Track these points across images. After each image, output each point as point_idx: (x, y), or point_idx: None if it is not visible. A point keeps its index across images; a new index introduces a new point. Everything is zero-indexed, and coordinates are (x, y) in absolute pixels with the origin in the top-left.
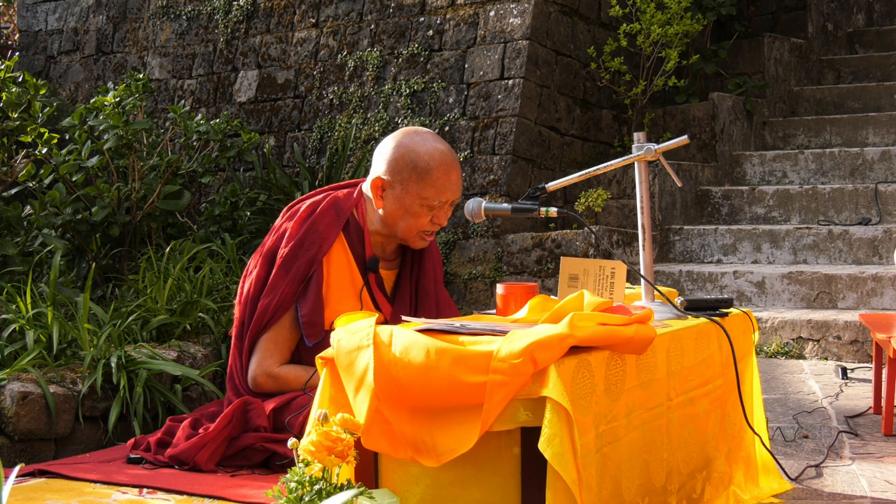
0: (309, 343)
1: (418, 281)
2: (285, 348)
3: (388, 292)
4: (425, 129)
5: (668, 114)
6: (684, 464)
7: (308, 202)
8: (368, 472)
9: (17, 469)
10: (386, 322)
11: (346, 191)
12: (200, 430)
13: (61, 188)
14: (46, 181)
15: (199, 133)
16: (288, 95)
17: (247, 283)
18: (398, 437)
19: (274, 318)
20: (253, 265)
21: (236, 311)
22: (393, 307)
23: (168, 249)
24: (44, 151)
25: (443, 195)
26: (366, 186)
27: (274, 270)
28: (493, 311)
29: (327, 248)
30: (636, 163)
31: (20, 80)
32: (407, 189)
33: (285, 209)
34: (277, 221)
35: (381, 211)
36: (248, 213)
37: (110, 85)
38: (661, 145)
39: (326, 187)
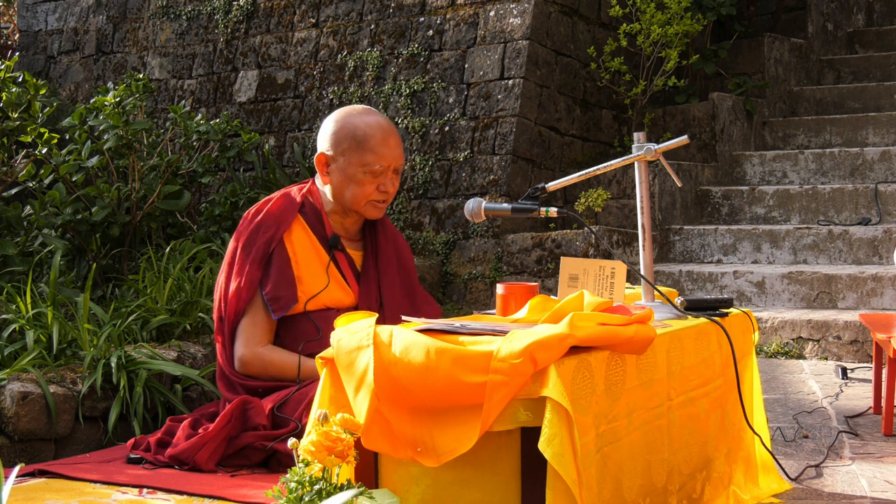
0: (274, 317)
1: (377, 260)
2: (266, 329)
3: (358, 271)
4: (362, 106)
5: (668, 114)
6: (685, 464)
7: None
8: (368, 472)
9: (17, 469)
10: (357, 306)
11: (298, 186)
12: (200, 430)
13: (61, 188)
14: (46, 181)
15: (199, 133)
16: (288, 95)
17: (220, 279)
18: (398, 437)
19: (247, 300)
20: (223, 264)
21: (214, 312)
22: (360, 285)
23: (168, 249)
24: (44, 151)
25: (383, 160)
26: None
27: (238, 255)
28: (493, 311)
29: (286, 228)
30: (636, 163)
31: (20, 80)
32: (349, 159)
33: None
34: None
35: (328, 186)
36: None
37: (110, 85)
38: (661, 145)
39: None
